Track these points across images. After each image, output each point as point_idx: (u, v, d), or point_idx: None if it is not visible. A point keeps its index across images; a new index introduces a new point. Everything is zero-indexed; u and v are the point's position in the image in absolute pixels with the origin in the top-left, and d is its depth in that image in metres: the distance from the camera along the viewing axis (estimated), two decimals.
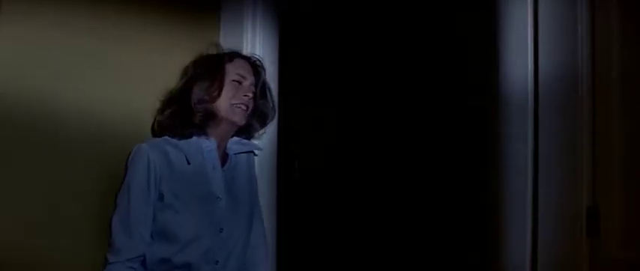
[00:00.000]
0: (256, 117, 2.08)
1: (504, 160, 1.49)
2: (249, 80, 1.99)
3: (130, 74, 1.98)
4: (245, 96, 1.96)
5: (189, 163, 1.91)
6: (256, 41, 2.26)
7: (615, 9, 1.26)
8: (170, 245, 1.85)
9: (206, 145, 1.95)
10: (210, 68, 1.97)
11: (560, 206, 1.43)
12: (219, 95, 1.93)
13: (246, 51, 2.19)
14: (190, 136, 1.94)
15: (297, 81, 2.86)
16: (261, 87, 2.05)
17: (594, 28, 1.28)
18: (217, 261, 1.90)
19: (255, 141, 2.15)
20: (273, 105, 2.13)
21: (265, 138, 2.24)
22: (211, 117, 1.94)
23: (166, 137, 1.93)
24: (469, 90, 2.27)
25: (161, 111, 1.97)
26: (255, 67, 2.03)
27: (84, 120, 1.92)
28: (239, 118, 1.96)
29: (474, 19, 2.28)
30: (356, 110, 3.29)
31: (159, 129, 1.97)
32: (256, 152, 2.15)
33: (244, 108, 1.97)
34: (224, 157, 2.02)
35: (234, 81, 1.96)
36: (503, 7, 1.47)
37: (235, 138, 2.06)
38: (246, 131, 2.09)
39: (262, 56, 2.19)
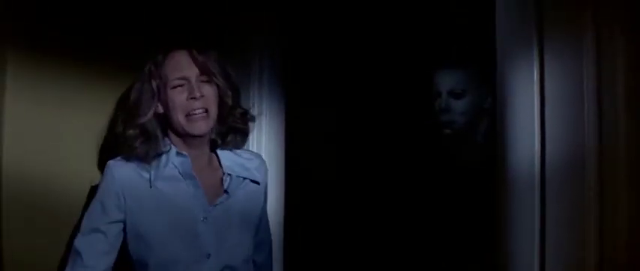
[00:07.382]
0: (230, 118, 1.70)
1: (510, 241, 1.43)
2: (193, 76, 1.60)
3: None
4: (192, 98, 1.59)
5: (151, 187, 1.62)
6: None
7: (621, 85, 1.22)
8: None
9: (179, 162, 1.65)
10: (141, 91, 1.64)
11: None
12: (167, 108, 1.62)
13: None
14: (155, 157, 1.64)
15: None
16: (213, 74, 1.63)
17: (601, 106, 1.25)
18: None
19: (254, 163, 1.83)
20: (236, 88, 1.70)
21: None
22: (175, 132, 1.65)
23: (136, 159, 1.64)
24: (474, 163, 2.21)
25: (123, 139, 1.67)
26: (192, 53, 1.63)
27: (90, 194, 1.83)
28: (199, 129, 1.61)
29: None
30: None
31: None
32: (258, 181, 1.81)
33: (200, 113, 1.60)
34: (217, 172, 1.73)
35: (175, 87, 1.61)
36: (508, 85, 1.44)
37: (227, 153, 1.75)
38: (235, 140, 1.76)
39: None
